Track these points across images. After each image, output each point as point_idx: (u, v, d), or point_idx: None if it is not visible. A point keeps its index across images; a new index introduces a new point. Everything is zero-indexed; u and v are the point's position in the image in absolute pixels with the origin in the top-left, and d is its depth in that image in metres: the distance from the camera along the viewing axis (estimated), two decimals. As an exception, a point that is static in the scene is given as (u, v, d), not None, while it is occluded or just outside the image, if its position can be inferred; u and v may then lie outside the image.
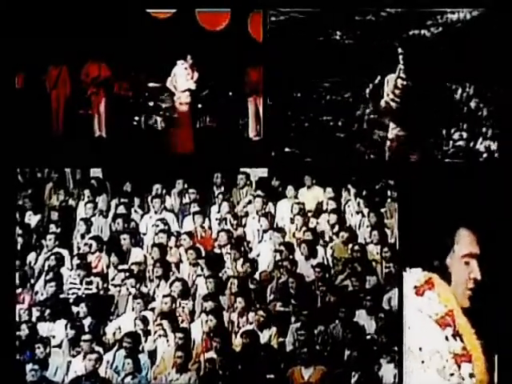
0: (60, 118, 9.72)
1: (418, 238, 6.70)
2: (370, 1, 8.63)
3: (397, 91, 8.44)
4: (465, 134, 8.62)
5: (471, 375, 5.98)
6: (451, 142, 8.59)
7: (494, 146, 8.51)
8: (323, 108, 8.93)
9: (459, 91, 8.71)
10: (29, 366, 8.12)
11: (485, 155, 8.47)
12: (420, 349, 6.08)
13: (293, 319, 8.31)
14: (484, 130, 8.56)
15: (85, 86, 9.94)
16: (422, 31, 8.75)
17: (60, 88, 9.79)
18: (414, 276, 6.21)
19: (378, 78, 8.47)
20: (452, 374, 5.99)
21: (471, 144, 8.55)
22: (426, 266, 6.09)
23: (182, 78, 9.90)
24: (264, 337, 8.22)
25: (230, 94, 10.11)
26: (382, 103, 8.55)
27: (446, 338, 5.96)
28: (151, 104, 10.15)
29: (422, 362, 6.08)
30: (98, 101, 9.93)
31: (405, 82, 8.41)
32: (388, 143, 8.56)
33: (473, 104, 8.65)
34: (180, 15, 9.34)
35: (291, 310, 8.39)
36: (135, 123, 9.98)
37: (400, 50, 8.40)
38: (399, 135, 8.47)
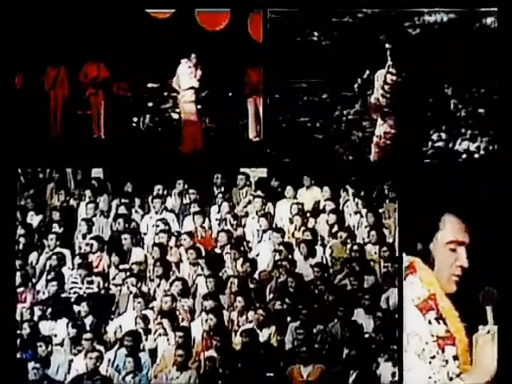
0: (58, 119, 9.67)
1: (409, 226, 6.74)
2: (347, 2, 8.56)
3: (386, 87, 8.38)
4: (444, 135, 8.60)
5: (455, 357, 6.03)
6: (430, 143, 8.57)
7: (472, 147, 8.51)
8: (301, 109, 8.95)
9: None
10: (31, 365, 8.11)
11: (464, 156, 8.48)
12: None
13: (291, 318, 8.30)
14: (463, 130, 8.55)
15: (84, 86, 9.87)
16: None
17: (58, 89, 9.75)
18: None
19: (367, 72, 8.42)
20: (433, 357, 6.03)
21: (450, 145, 8.55)
22: (409, 250, 6.13)
23: (186, 77, 9.85)
24: (263, 335, 8.22)
25: (230, 94, 10.10)
26: (372, 99, 8.49)
27: (429, 322, 5.96)
28: (150, 105, 10.10)
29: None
30: (96, 102, 9.88)
31: (394, 78, 8.35)
32: (375, 140, 8.50)
33: (451, 105, 8.63)
34: (179, 15, 9.25)
35: (290, 308, 8.38)
36: (134, 124, 9.94)
37: (387, 46, 8.34)
38: (387, 132, 8.42)
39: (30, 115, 9.30)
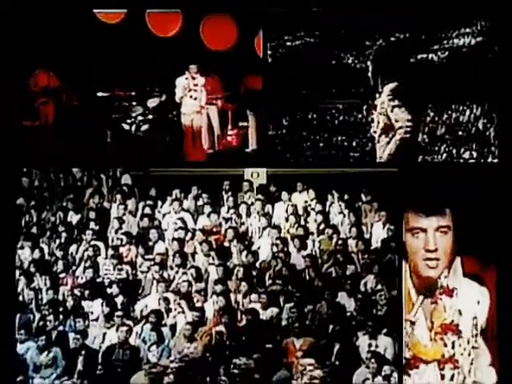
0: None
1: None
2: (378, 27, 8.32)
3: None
4: (475, 154, 8.50)
5: None
6: (461, 161, 8.54)
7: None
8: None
9: (467, 112, 8.52)
10: (71, 336, 8.74)
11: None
12: None
13: (286, 300, 8.89)
14: (493, 148, 8.39)
15: (34, 96, 9.31)
16: (430, 55, 8.53)
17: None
18: None
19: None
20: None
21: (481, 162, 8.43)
22: None
23: (184, 89, 9.65)
24: (267, 315, 8.70)
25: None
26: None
27: None
28: (102, 115, 9.65)
29: None
30: (46, 111, 9.33)
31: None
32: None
33: (480, 125, 8.49)
34: (130, 20, 8.87)
35: (285, 292, 8.95)
36: (84, 134, 9.42)
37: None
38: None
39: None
